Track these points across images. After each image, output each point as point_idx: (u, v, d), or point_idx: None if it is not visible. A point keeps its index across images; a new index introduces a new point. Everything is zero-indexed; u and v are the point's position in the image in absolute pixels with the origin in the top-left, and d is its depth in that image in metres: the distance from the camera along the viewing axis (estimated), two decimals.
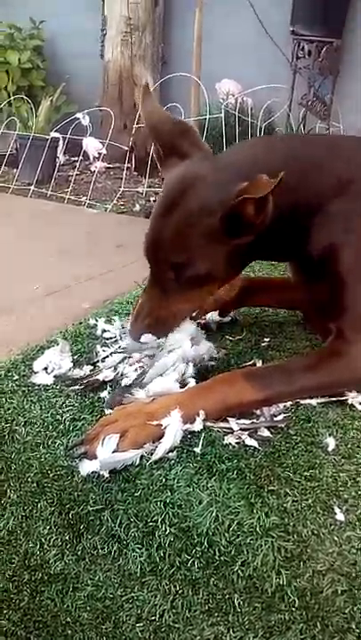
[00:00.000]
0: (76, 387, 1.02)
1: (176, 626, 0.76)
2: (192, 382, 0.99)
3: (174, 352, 1.01)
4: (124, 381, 1.00)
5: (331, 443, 0.88)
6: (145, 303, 1.02)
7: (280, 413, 0.94)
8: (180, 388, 0.96)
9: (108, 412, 0.94)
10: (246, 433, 0.89)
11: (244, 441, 0.88)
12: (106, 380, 1.02)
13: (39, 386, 1.03)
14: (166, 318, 1.01)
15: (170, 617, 0.77)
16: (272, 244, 1.01)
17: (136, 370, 1.03)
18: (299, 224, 1.02)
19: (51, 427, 0.94)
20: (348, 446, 0.88)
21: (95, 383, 1.02)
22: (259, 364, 1.08)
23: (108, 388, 1.00)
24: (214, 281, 1.00)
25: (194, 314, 1.05)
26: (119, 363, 1.06)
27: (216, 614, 0.74)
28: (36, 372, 1.07)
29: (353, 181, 1.03)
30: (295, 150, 1.07)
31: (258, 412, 0.94)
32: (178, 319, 1.02)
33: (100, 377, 1.02)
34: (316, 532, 0.74)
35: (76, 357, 1.10)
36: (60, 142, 3.33)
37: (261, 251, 1.03)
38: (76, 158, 3.42)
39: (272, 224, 0.93)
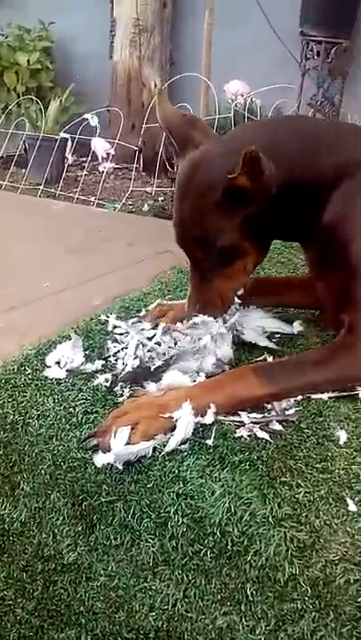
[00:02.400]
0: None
1: (189, 615, 0.77)
2: (202, 376, 1.00)
3: (198, 359, 1.03)
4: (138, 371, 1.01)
5: (342, 436, 0.89)
6: (192, 290, 1.10)
7: (291, 407, 0.95)
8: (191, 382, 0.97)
9: (120, 403, 0.95)
10: (258, 426, 0.90)
11: (255, 434, 0.89)
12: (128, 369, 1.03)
13: (52, 379, 1.05)
14: (213, 300, 1.09)
15: (182, 606, 0.78)
16: (286, 219, 1.07)
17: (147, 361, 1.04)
18: (310, 200, 1.05)
19: (63, 419, 0.95)
20: (360, 440, 0.88)
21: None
22: (269, 359, 1.08)
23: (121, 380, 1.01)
24: (242, 255, 1.06)
25: (239, 292, 1.11)
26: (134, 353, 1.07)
27: (229, 603, 0.75)
28: (48, 366, 1.08)
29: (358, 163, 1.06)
30: (299, 128, 1.13)
31: (269, 405, 0.95)
32: (225, 299, 1.10)
33: (128, 369, 1.03)
34: (328, 522, 0.75)
35: (87, 352, 1.11)
36: (69, 143, 3.34)
37: (278, 225, 1.08)
38: (85, 159, 3.43)
39: (282, 198, 1.00)
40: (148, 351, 1.08)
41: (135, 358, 1.05)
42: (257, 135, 1.09)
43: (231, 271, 1.07)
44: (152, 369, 1.01)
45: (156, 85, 3.80)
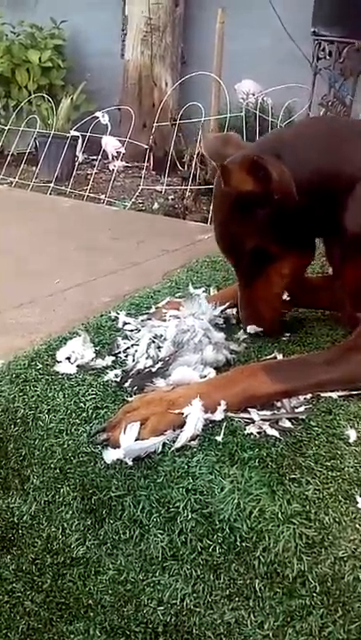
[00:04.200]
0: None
1: (197, 610, 0.77)
2: (212, 373, 1.01)
3: (198, 352, 1.04)
4: (145, 370, 1.02)
5: (352, 435, 0.88)
6: (240, 297, 1.15)
7: (301, 405, 0.95)
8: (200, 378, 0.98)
9: (129, 399, 0.95)
10: (267, 423, 0.90)
11: (265, 431, 0.89)
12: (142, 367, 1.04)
13: (62, 375, 1.05)
14: (260, 306, 1.13)
15: (191, 601, 0.78)
16: (313, 218, 1.08)
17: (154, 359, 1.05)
18: (334, 198, 1.07)
19: (74, 414, 0.96)
20: None
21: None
22: (279, 357, 1.08)
23: (131, 377, 1.02)
24: (275, 258, 1.09)
25: (285, 296, 1.17)
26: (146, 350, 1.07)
27: (237, 599, 0.75)
28: (59, 362, 1.08)
29: None
30: (320, 128, 1.16)
31: (279, 403, 0.95)
32: (271, 307, 1.14)
33: (139, 366, 1.04)
34: (337, 519, 0.75)
35: (97, 348, 1.12)
36: (80, 141, 3.36)
37: (304, 225, 1.09)
38: (95, 157, 3.45)
39: (308, 198, 1.03)
40: (158, 348, 1.08)
41: (148, 358, 1.06)
42: (277, 139, 1.13)
43: (268, 276, 1.10)
44: (159, 365, 1.02)
45: (167, 85, 3.81)
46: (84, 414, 0.96)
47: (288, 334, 1.19)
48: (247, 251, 1.07)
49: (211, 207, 1.19)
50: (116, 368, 1.05)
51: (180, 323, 1.10)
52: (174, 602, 0.79)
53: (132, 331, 1.18)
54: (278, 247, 1.08)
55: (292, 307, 1.25)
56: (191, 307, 1.17)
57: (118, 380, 1.02)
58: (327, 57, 3.34)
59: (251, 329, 1.14)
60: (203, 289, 1.33)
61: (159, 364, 1.01)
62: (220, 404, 0.90)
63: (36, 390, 1.02)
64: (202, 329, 1.07)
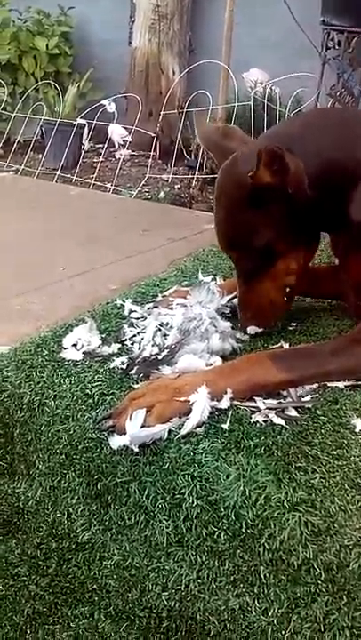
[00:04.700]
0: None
1: (201, 596, 0.78)
2: (218, 361, 1.01)
3: (204, 340, 1.04)
4: (152, 357, 1.02)
5: (358, 424, 0.88)
6: (241, 297, 1.11)
7: (307, 394, 0.95)
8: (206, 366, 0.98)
9: (135, 386, 0.95)
10: (273, 412, 0.90)
11: (271, 419, 0.89)
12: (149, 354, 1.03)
13: (68, 361, 1.05)
14: (263, 306, 1.10)
15: (195, 587, 0.78)
16: (322, 211, 1.06)
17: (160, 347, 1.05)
18: (342, 191, 1.05)
19: (80, 400, 0.96)
20: None
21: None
22: (285, 346, 1.08)
23: (137, 364, 1.02)
24: (283, 254, 1.06)
25: (288, 293, 1.11)
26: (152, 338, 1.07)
27: (242, 585, 0.76)
28: (65, 348, 1.08)
29: None
30: (330, 121, 1.15)
31: (285, 392, 0.95)
32: (275, 304, 1.10)
33: (145, 353, 1.03)
34: (343, 507, 0.75)
35: (104, 336, 1.12)
36: (86, 129, 3.34)
37: (313, 219, 1.07)
38: (102, 145, 3.43)
39: (317, 192, 1.01)
40: (164, 336, 1.08)
41: (154, 345, 1.05)
42: (286, 132, 1.10)
43: (274, 272, 1.07)
44: (165, 353, 1.02)
45: (174, 73, 3.79)
46: (90, 401, 0.96)
47: (295, 324, 1.18)
48: (255, 247, 1.04)
49: (214, 204, 1.12)
50: (122, 355, 1.05)
51: (186, 311, 1.09)
52: (179, 587, 0.79)
53: (138, 319, 1.18)
54: (287, 243, 1.05)
55: (295, 295, 1.21)
56: (199, 295, 1.16)
57: (124, 367, 1.02)
58: (336, 46, 3.30)
59: (251, 330, 1.10)
60: (210, 277, 1.33)
61: (165, 352, 1.01)
62: (226, 392, 0.90)
63: (42, 376, 1.02)
64: (208, 317, 1.07)
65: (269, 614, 0.73)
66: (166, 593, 0.80)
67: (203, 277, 1.26)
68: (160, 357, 1.00)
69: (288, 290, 1.11)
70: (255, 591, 0.75)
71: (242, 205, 1.03)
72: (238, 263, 1.10)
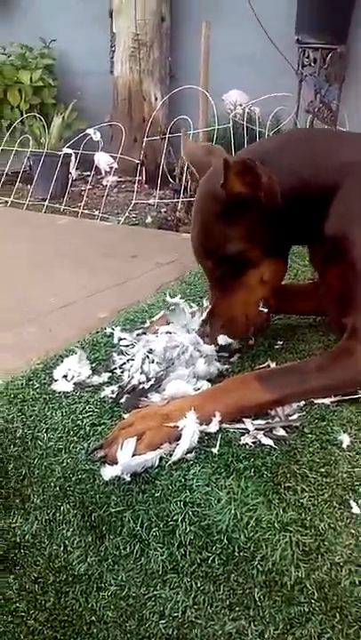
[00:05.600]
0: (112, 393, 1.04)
1: (198, 621, 0.78)
2: (206, 385, 1.02)
3: (190, 366, 1.05)
4: (140, 386, 1.03)
5: (345, 440, 0.90)
6: (212, 307, 1.13)
7: (295, 413, 0.96)
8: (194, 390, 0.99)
9: (125, 416, 0.96)
10: (262, 432, 0.91)
11: (260, 440, 0.90)
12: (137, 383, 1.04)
13: (60, 393, 1.06)
14: (236, 316, 1.11)
15: (192, 613, 0.79)
16: (295, 223, 1.10)
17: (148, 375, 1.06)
18: (316, 204, 1.09)
19: (72, 432, 0.97)
20: None
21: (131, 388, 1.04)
22: (272, 365, 1.09)
23: (126, 393, 1.03)
24: (256, 264, 1.09)
25: (261, 307, 1.14)
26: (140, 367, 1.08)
27: (237, 609, 0.76)
28: (56, 380, 1.10)
29: (357, 163, 1.10)
30: (301, 137, 1.21)
31: (273, 412, 0.96)
32: (249, 315, 1.12)
33: (134, 381, 1.04)
34: (332, 525, 0.76)
35: (94, 365, 1.13)
36: (73, 158, 3.38)
37: (288, 230, 1.10)
38: (89, 173, 3.48)
39: (290, 203, 1.06)
40: (153, 362, 1.10)
41: (142, 373, 1.06)
42: (263, 149, 1.16)
43: (248, 282, 1.09)
44: (152, 382, 1.03)
45: (156, 99, 3.85)
46: (82, 432, 0.97)
47: (281, 342, 1.20)
48: (229, 255, 1.07)
49: (192, 215, 1.17)
50: (112, 384, 1.07)
51: (169, 339, 1.11)
52: (176, 614, 0.79)
53: (127, 346, 1.20)
54: (260, 253, 1.08)
55: (273, 313, 1.24)
56: (177, 318, 1.18)
57: (114, 396, 1.03)
58: (312, 64, 3.37)
59: (222, 340, 1.10)
60: (179, 296, 1.32)
61: (152, 381, 1.02)
62: (214, 416, 0.91)
63: (34, 410, 1.03)
64: (191, 343, 1.08)
65: (265, 636, 0.74)
66: (164, 621, 0.80)
67: (172, 300, 1.24)
68: (147, 387, 1.01)
69: (263, 301, 1.13)
70: (251, 614, 0.75)
71: (216, 215, 1.07)
72: (212, 272, 1.12)
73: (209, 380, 1.04)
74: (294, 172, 1.08)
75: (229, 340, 1.11)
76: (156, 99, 3.89)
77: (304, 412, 0.96)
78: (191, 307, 1.24)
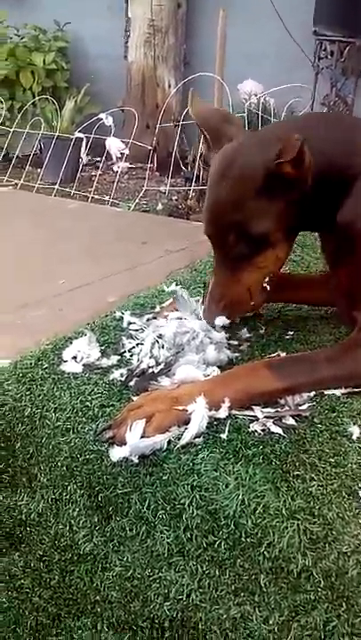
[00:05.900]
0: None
1: (203, 605, 0.78)
2: (216, 372, 1.02)
3: (200, 352, 1.05)
4: (149, 370, 1.03)
5: (355, 431, 0.89)
6: (216, 286, 1.08)
7: (305, 403, 0.95)
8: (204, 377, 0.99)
9: (134, 398, 0.96)
10: (271, 421, 0.91)
11: (269, 428, 0.90)
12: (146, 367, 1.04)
13: (68, 374, 1.06)
14: (240, 295, 1.08)
15: (197, 596, 0.79)
16: (316, 210, 1.07)
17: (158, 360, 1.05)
18: (337, 192, 1.07)
19: (80, 412, 0.97)
20: None
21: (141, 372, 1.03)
22: (282, 355, 1.09)
23: (135, 376, 1.03)
24: (274, 244, 1.05)
25: (265, 284, 1.09)
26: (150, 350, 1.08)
27: (242, 594, 0.76)
28: (65, 361, 1.09)
29: None
30: (332, 123, 1.18)
31: (282, 401, 0.96)
32: (253, 293, 1.09)
33: (143, 365, 1.04)
34: (341, 515, 0.75)
35: (103, 348, 1.13)
36: (84, 142, 3.37)
37: (308, 216, 1.08)
38: (100, 158, 3.46)
39: (316, 189, 1.02)
40: (163, 347, 1.09)
41: (151, 357, 1.06)
42: (294, 128, 1.10)
43: (262, 261, 1.06)
44: (162, 367, 1.03)
45: (170, 86, 3.82)
46: (90, 412, 0.97)
47: (291, 332, 1.19)
48: (254, 231, 1.02)
49: (212, 184, 1.08)
50: (121, 367, 1.06)
51: (180, 324, 1.10)
52: (180, 597, 0.80)
53: (136, 330, 1.19)
54: (282, 235, 1.05)
55: (268, 301, 1.20)
56: (182, 307, 1.17)
57: (123, 379, 1.03)
58: (329, 56, 3.34)
59: (219, 320, 1.07)
60: (180, 286, 1.30)
61: (162, 365, 1.02)
62: (223, 402, 0.91)
63: (42, 389, 1.03)
64: (202, 330, 1.07)
65: (270, 622, 0.74)
66: (168, 603, 0.80)
67: (169, 289, 1.22)
68: (156, 370, 1.01)
69: (266, 281, 1.10)
70: (256, 600, 0.75)
71: (255, 190, 1.02)
72: (227, 248, 1.06)
73: (219, 367, 1.03)
74: (324, 157, 1.04)
75: (227, 321, 1.08)
76: (169, 85, 3.86)
77: (314, 403, 0.95)
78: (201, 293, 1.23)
